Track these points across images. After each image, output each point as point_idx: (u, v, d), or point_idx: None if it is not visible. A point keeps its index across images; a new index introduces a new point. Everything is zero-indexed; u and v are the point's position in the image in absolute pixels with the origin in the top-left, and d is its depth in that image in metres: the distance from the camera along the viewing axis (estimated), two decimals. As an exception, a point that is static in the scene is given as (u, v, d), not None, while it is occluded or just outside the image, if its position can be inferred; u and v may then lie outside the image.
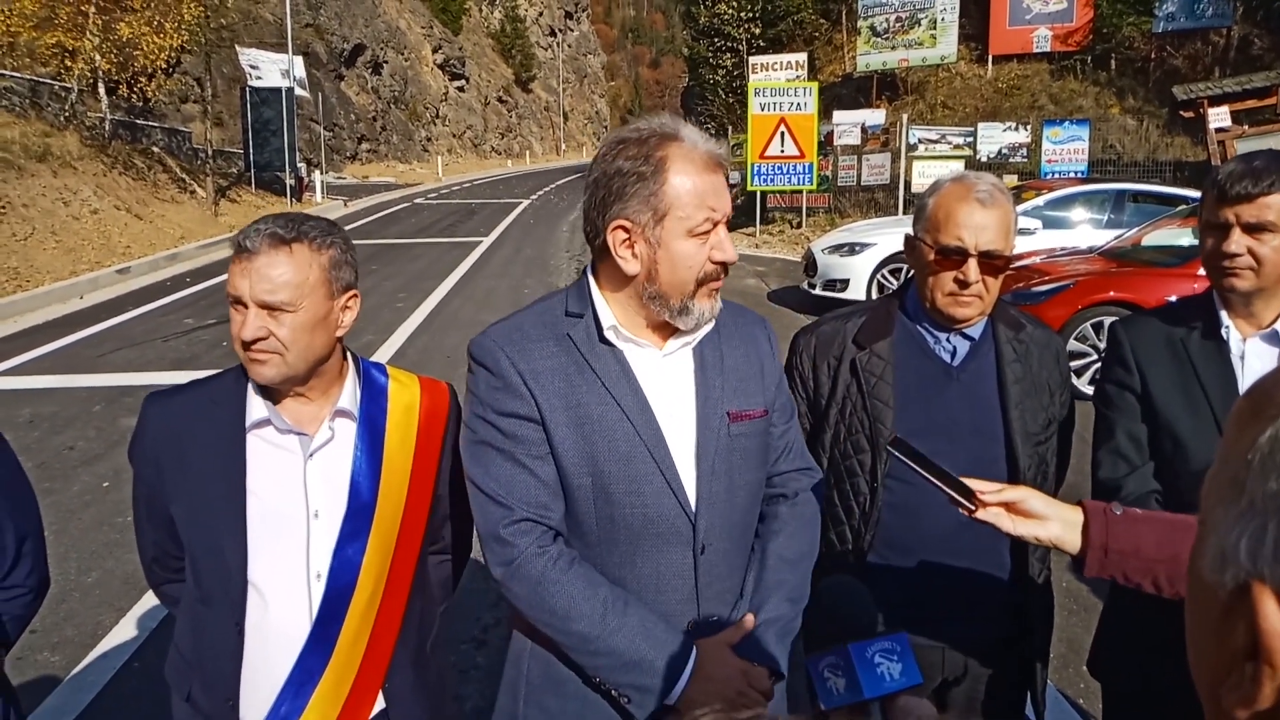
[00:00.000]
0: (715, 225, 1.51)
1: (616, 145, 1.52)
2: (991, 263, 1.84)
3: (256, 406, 1.69)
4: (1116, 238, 9.57)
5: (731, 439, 1.60)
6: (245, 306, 1.59)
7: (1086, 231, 10.88)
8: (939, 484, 1.44)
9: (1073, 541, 1.43)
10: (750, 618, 1.58)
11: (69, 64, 18.32)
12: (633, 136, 1.51)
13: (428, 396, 1.86)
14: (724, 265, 1.53)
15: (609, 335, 1.56)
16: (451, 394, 1.92)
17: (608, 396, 1.53)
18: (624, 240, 1.51)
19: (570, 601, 1.48)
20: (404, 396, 1.83)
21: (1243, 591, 0.53)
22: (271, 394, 1.70)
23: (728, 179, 1.56)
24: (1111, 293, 7.74)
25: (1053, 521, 1.43)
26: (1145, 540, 1.40)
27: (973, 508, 1.44)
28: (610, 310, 1.57)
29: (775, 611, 1.60)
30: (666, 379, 1.59)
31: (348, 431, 1.74)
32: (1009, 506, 1.45)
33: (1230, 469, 0.55)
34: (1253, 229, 1.77)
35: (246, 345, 1.60)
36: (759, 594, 1.62)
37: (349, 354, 1.81)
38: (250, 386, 1.71)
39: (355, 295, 1.74)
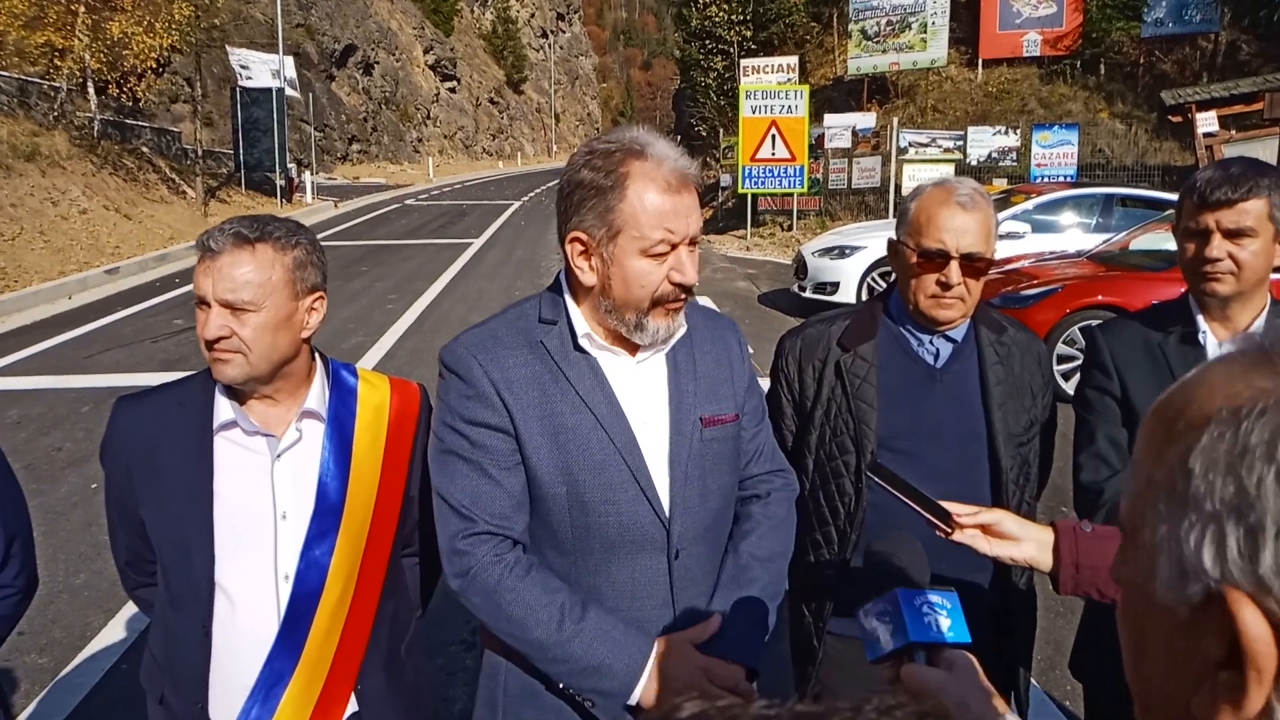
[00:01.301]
0: (674, 247, 1.48)
1: (586, 155, 1.50)
2: (973, 265, 1.86)
3: (224, 408, 1.69)
4: (1105, 242, 9.61)
5: (704, 444, 1.60)
6: (209, 306, 1.59)
7: (1075, 235, 10.92)
8: (916, 507, 1.47)
9: (1045, 560, 1.46)
10: (717, 618, 1.57)
11: (58, 63, 18.25)
12: (601, 148, 1.49)
13: (398, 397, 1.85)
14: (682, 287, 1.50)
15: (583, 343, 1.55)
16: (423, 394, 1.91)
17: (581, 405, 1.53)
18: (580, 252, 1.51)
19: (527, 609, 1.47)
20: (374, 398, 1.82)
21: (1210, 603, 0.52)
22: (239, 395, 1.69)
23: (699, 197, 1.53)
24: (1100, 297, 7.77)
25: (1026, 542, 1.46)
26: (1114, 556, 1.42)
27: (949, 530, 1.48)
28: (582, 318, 1.56)
29: (746, 608, 1.61)
30: (640, 385, 1.59)
31: (316, 432, 1.74)
32: (985, 528, 1.48)
33: (1163, 485, 0.55)
34: (1232, 234, 1.80)
35: (210, 344, 1.60)
36: (729, 590, 1.62)
37: (318, 355, 1.80)
38: (218, 389, 1.70)
39: (321, 297, 1.73)
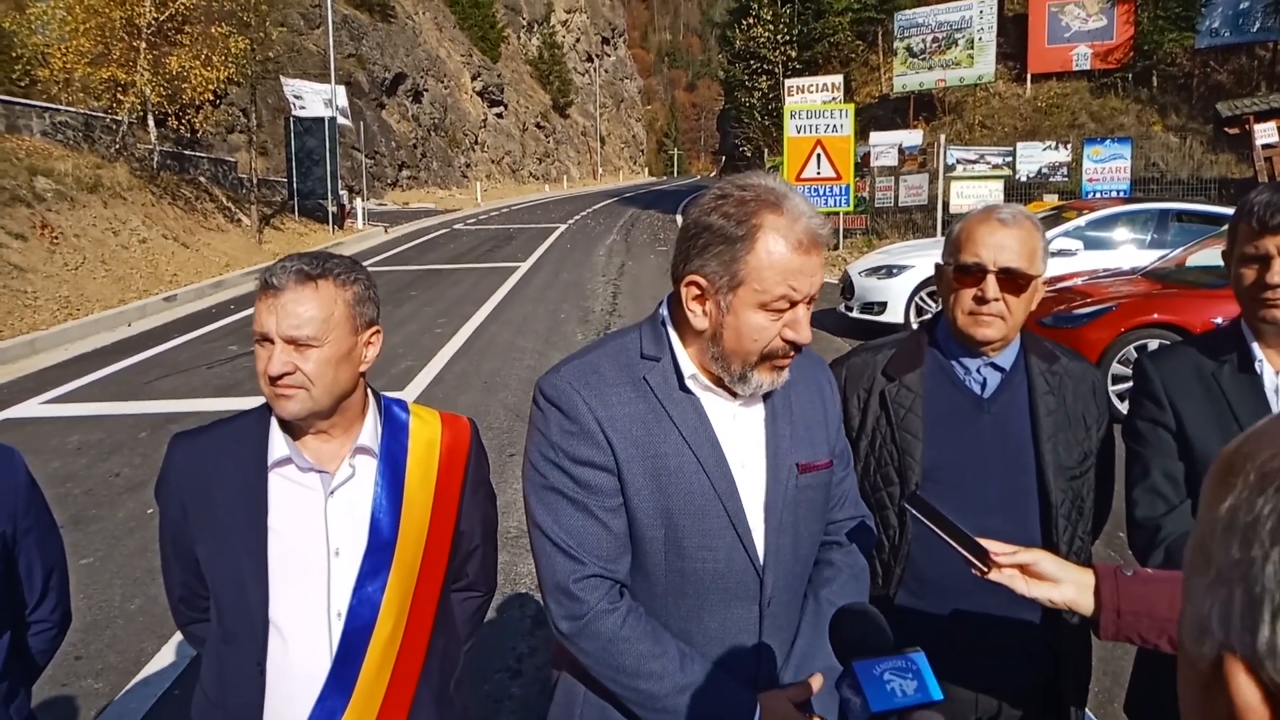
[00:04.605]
0: (794, 305, 1.45)
1: (718, 199, 1.46)
2: (1013, 281, 1.82)
3: (278, 445, 1.71)
4: (1160, 258, 9.41)
5: (799, 491, 1.57)
6: (272, 342, 1.62)
7: (1129, 252, 10.71)
8: (953, 544, 1.45)
9: (1086, 604, 1.42)
10: (819, 678, 1.53)
11: (120, 97, 18.85)
12: (735, 194, 1.45)
13: (449, 433, 1.87)
14: (794, 345, 1.47)
15: (689, 384, 1.52)
16: (473, 429, 1.93)
17: (684, 447, 1.50)
18: (696, 295, 1.48)
19: (639, 660, 1.46)
20: (425, 433, 1.84)
21: (1220, 663, 0.52)
22: (293, 432, 1.72)
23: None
24: (1156, 315, 7.60)
25: (1066, 584, 1.43)
26: (1158, 600, 1.38)
27: (986, 569, 1.45)
28: (689, 358, 1.53)
29: (829, 660, 1.57)
30: (739, 429, 1.55)
31: (368, 469, 1.76)
32: (1023, 568, 1.45)
33: (1199, 538, 0.55)
34: None
35: (273, 380, 1.62)
36: (810, 639, 1.59)
37: (370, 391, 1.83)
38: (272, 425, 1.72)
39: (378, 331, 1.77)
